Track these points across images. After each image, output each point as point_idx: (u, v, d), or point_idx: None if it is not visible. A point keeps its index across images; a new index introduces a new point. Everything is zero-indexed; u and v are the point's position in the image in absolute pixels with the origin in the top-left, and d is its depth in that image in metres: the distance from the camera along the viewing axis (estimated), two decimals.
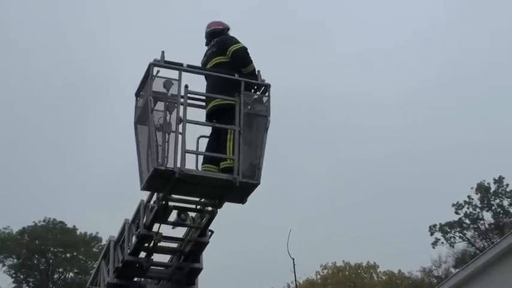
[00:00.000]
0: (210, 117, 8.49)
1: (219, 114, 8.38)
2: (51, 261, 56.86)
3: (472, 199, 53.70)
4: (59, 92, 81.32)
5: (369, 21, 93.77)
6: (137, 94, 8.39)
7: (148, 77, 8.00)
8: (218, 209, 8.56)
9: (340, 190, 71.96)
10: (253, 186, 8.07)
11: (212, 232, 9.23)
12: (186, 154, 7.92)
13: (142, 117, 8.24)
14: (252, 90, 8.47)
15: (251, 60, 8.68)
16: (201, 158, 8.43)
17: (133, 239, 9.28)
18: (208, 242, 9.13)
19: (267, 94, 8.37)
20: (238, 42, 8.79)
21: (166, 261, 9.66)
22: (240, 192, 8.16)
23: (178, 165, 7.73)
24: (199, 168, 8.26)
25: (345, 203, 68.03)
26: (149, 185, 7.99)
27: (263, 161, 8.10)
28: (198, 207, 8.68)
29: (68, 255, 57.09)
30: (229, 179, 7.95)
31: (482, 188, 53.46)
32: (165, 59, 8.06)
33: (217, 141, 8.38)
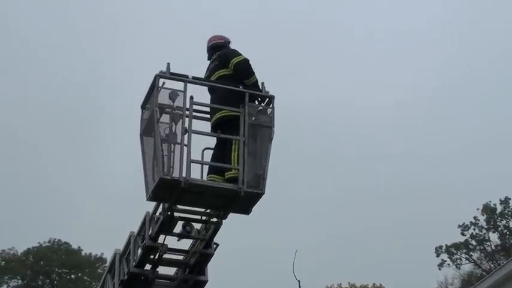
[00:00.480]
0: (215, 128, 8.59)
1: (224, 126, 8.49)
2: (55, 282, 56.74)
3: (478, 220, 53.60)
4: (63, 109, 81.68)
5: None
6: (143, 106, 8.49)
7: (154, 89, 8.10)
8: (223, 220, 8.60)
9: (346, 211, 71.77)
10: (258, 196, 8.14)
11: (217, 245, 9.27)
12: (192, 165, 8.00)
13: (148, 128, 8.34)
14: (256, 102, 8.58)
15: (253, 72, 8.81)
16: (206, 169, 8.52)
17: (139, 251, 9.31)
18: (213, 254, 9.16)
19: (271, 105, 8.47)
20: (240, 55, 8.93)
21: (172, 274, 9.68)
22: (245, 202, 8.22)
23: (184, 174, 7.80)
24: (205, 178, 8.33)
25: (350, 223, 67.86)
26: (155, 195, 8.06)
27: (268, 171, 8.17)
28: (203, 218, 8.71)
29: (72, 276, 56.98)
30: (234, 188, 8.03)
31: (488, 209, 53.34)
32: (171, 70, 8.17)
33: (222, 152, 8.46)
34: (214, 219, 8.70)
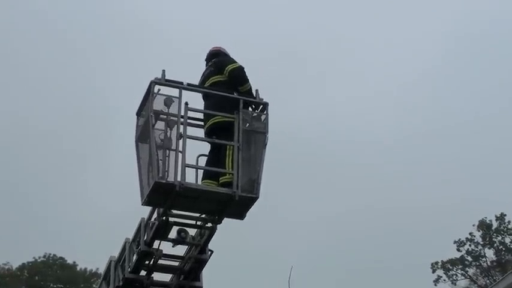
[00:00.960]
0: (209, 134, 8.70)
1: (218, 132, 8.59)
2: None
3: (474, 236, 53.56)
4: (60, 131, 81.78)
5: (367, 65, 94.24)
6: (138, 113, 8.62)
7: (149, 95, 8.22)
8: (217, 225, 8.68)
9: (340, 224, 71.69)
10: (252, 200, 8.24)
11: (212, 252, 9.35)
12: (186, 171, 8.10)
13: (143, 135, 8.45)
14: (250, 108, 8.70)
15: (247, 79, 8.93)
16: (200, 174, 8.61)
17: (134, 257, 9.38)
18: (208, 260, 9.23)
19: (265, 112, 8.59)
20: (235, 62, 9.07)
21: (167, 281, 9.74)
22: (239, 207, 8.32)
23: (179, 179, 7.90)
24: (199, 183, 8.43)
25: (345, 238, 67.78)
26: (150, 199, 8.15)
27: (262, 176, 8.27)
28: (198, 223, 8.79)
29: None
30: (228, 192, 8.12)
31: (484, 225, 53.36)
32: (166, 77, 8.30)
33: (216, 158, 8.57)
34: (209, 225, 8.77)
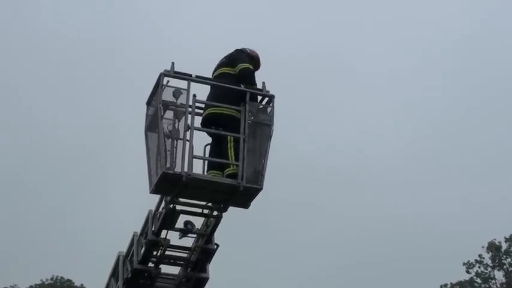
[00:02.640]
0: (206, 123, 8.84)
1: (214, 122, 8.77)
2: None
3: (483, 258, 53.28)
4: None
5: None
6: (148, 103, 8.86)
7: (158, 86, 8.47)
8: (223, 213, 8.90)
9: (349, 248, 71.42)
10: (257, 191, 8.46)
11: (218, 246, 9.53)
12: (193, 160, 8.33)
13: (152, 124, 8.71)
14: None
15: (255, 83, 9.12)
16: (207, 164, 8.82)
17: (142, 249, 9.56)
18: (214, 250, 9.41)
19: (271, 104, 8.79)
20: (248, 63, 9.28)
21: (174, 273, 9.92)
22: (244, 197, 8.54)
23: (186, 169, 8.14)
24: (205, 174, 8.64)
25: (354, 266, 67.47)
26: (157, 188, 8.39)
27: (266, 167, 8.48)
28: (205, 211, 9.00)
29: None
30: (233, 183, 8.34)
31: (493, 247, 53.06)
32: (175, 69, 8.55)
33: (218, 149, 8.79)
34: (215, 213, 8.98)
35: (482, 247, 53.03)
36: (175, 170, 8.18)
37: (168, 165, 8.18)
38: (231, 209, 8.85)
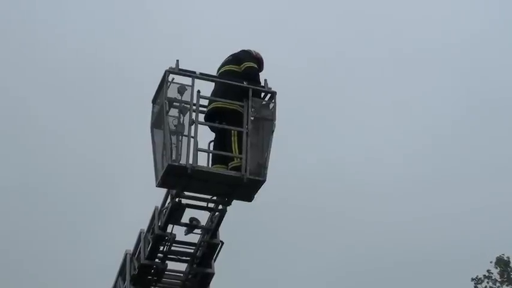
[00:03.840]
0: (209, 117, 9.20)
1: (217, 117, 9.13)
2: None
3: (492, 273, 53.03)
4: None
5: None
6: (153, 101, 9.18)
7: (163, 84, 8.79)
8: (227, 207, 9.17)
9: (355, 262, 71.11)
10: (260, 183, 8.73)
11: (223, 243, 9.76)
12: (198, 156, 8.64)
13: (157, 121, 9.02)
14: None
15: (259, 81, 9.43)
16: (211, 159, 9.11)
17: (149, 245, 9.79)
18: (219, 245, 9.63)
19: (273, 101, 9.10)
20: (254, 62, 9.64)
21: (180, 269, 10.14)
22: (248, 189, 8.82)
23: (191, 162, 8.43)
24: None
25: (361, 278, 67.12)
26: (163, 181, 8.68)
27: (269, 160, 8.77)
28: (209, 205, 9.26)
29: None
30: (237, 175, 8.64)
31: (501, 262, 52.74)
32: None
33: (222, 144, 9.11)
34: (220, 207, 9.24)
35: (491, 262, 52.89)
36: (180, 162, 8.48)
37: (173, 158, 8.47)
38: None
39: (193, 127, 8.65)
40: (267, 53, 10.17)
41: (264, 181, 8.72)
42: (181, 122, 8.74)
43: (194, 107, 8.68)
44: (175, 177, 8.60)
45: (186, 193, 8.99)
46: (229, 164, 8.91)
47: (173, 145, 8.60)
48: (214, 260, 9.93)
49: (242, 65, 9.51)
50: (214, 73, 9.57)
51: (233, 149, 8.91)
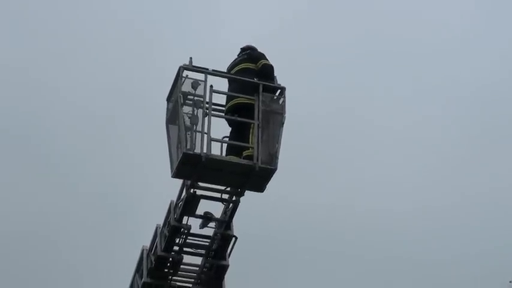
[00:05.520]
0: (232, 114, 9.68)
1: (240, 112, 9.60)
2: None
3: None
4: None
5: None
6: (168, 99, 9.68)
7: (178, 80, 9.26)
8: (240, 198, 9.55)
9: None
10: (271, 171, 9.15)
11: (236, 238, 10.08)
12: (213, 148, 9.12)
13: (172, 117, 9.50)
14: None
15: (274, 78, 9.90)
16: (224, 150, 9.56)
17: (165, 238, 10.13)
18: (233, 237, 9.96)
19: (283, 95, 9.61)
20: (268, 60, 10.11)
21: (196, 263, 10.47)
22: (260, 179, 9.23)
23: (205, 150, 8.90)
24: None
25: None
26: (179, 171, 9.11)
27: (279, 150, 9.22)
28: (223, 196, 9.65)
29: None
30: (249, 164, 9.09)
31: None
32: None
33: (239, 135, 9.53)
34: (233, 198, 9.63)
35: (510, 282, 52.50)
36: (195, 151, 8.89)
37: (188, 147, 8.90)
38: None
39: (206, 119, 9.11)
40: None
41: (275, 169, 9.14)
42: (195, 114, 9.17)
43: (207, 100, 9.17)
44: (190, 167, 9.01)
45: (201, 184, 9.39)
46: (243, 152, 9.33)
47: (188, 135, 9.02)
48: (229, 254, 10.26)
49: (259, 63, 9.98)
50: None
51: (250, 140, 9.33)
